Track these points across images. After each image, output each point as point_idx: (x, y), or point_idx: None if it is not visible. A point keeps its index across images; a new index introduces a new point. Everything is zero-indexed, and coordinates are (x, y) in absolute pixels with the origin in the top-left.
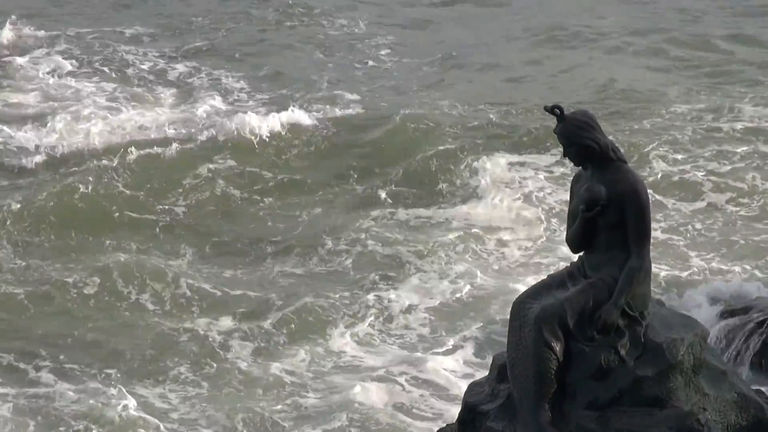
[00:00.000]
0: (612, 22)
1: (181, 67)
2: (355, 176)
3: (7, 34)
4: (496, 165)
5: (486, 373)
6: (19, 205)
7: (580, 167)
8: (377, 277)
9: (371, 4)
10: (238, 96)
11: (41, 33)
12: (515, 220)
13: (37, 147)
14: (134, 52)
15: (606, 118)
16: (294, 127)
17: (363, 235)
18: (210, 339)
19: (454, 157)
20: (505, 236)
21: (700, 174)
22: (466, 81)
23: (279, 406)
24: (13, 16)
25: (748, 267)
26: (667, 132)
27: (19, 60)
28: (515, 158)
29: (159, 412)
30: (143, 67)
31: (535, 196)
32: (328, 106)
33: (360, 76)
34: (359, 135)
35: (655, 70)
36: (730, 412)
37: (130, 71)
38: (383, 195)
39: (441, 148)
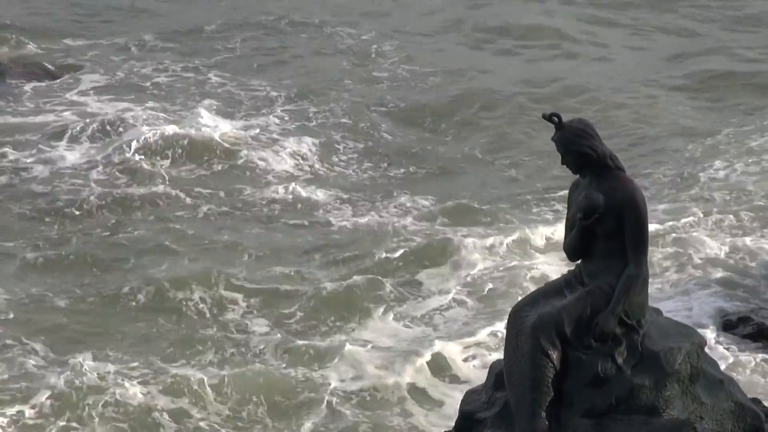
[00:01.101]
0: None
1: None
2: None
3: (27, 50)
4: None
5: (482, 380)
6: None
7: (578, 175)
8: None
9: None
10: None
11: (58, 47)
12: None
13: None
14: (155, 65)
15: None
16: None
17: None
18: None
19: None
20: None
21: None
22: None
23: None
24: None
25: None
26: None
27: (43, 78)
28: None
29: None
30: (170, 79)
31: None
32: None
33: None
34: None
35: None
36: (727, 422)
37: (158, 86)
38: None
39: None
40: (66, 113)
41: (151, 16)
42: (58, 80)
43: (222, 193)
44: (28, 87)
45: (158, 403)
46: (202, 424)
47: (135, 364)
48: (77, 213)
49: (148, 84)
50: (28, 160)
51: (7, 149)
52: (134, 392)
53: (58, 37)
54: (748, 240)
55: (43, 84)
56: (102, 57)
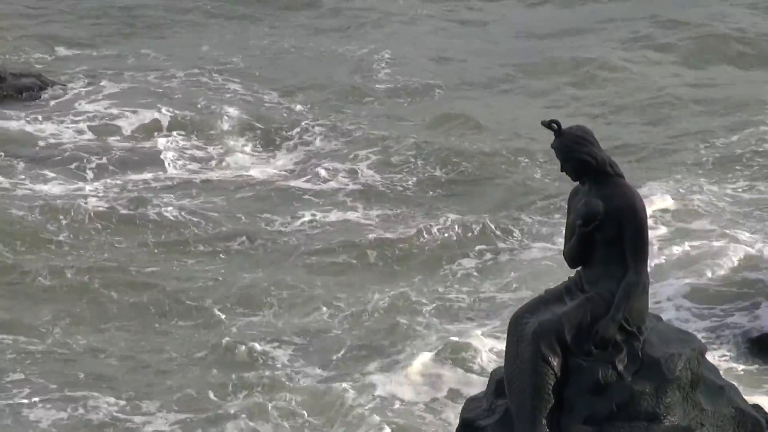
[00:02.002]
0: None
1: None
2: None
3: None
4: None
5: (483, 388)
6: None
7: (578, 182)
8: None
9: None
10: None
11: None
12: None
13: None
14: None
15: None
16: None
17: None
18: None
19: None
20: None
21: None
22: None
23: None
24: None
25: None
26: None
27: (61, 90)
28: None
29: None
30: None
31: None
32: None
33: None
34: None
35: None
36: (728, 427)
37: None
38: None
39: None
40: (79, 126)
41: (152, 26)
42: (68, 91)
43: (261, 216)
44: (42, 95)
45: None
46: None
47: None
48: (90, 232)
49: (162, 92)
50: (40, 172)
51: (19, 162)
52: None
53: (60, 44)
54: (750, 247)
55: (54, 93)
56: (108, 66)
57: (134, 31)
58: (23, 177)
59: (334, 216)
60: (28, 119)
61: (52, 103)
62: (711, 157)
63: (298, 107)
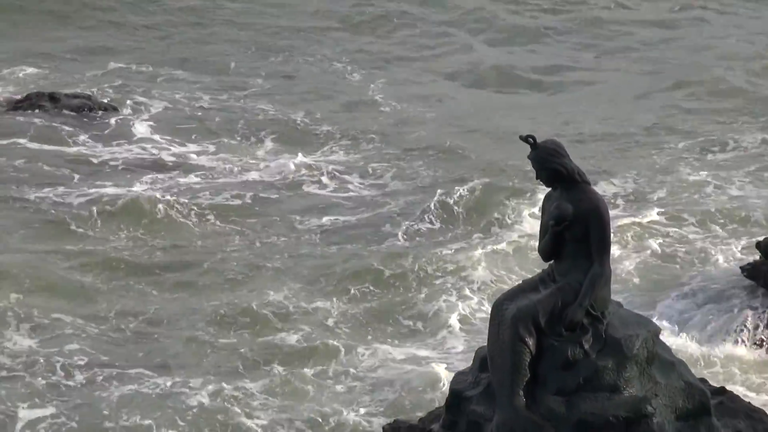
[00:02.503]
0: None
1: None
2: None
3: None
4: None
5: (469, 364)
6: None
7: (551, 188)
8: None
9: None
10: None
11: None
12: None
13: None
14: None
15: None
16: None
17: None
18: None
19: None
20: None
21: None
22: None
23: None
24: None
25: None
26: None
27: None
28: None
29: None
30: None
31: None
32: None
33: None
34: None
35: None
36: (678, 398)
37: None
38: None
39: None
40: (126, 146)
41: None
42: (112, 113)
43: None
44: (83, 119)
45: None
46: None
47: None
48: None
49: (198, 115)
50: (92, 191)
51: (74, 174)
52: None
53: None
54: (699, 240)
55: (103, 113)
56: (150, 82)
57: (169, 47)
58: (82, 186)
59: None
60: (80, 137)
61: (102, 122)
62: None
63: (322, 123)
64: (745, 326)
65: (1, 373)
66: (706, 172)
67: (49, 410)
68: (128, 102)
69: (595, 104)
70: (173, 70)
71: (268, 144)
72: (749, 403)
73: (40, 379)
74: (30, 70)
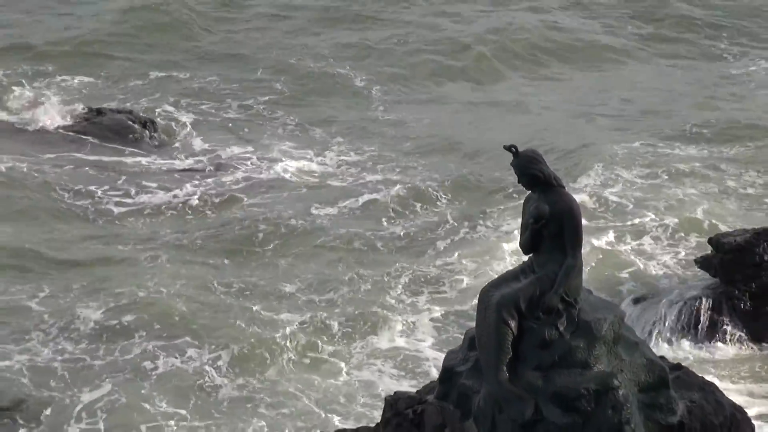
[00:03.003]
0: None
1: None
2: None
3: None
4: None
5: (460, 344)
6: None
7: (530, 191)
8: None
9: None
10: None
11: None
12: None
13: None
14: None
15: None
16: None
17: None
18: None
19: None
20: None
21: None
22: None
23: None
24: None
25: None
26: None
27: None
28: None
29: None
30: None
31: None
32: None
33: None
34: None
35: None
36: (641, 373)
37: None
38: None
39: None
40: (164, 153)
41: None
42: (155, 126)
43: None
44: (134, 128)
45: None
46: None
47: None
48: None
49: (229, 123)
50: (144, 197)
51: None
52: None
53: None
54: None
55: (143, 127)
56: (188, 92)
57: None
58: (132, 191)
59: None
60: (123, 149)
61: (143, 134)
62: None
63: (335, 134)
64: (697, 312)
65: (64, 356)
66: (666, 176)
67: (106, 388)
68: (164, 111)
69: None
70: (204, 78)
71: (288, 145)
72: (702, 377)
73: (99, 361)
74: (78, 79)
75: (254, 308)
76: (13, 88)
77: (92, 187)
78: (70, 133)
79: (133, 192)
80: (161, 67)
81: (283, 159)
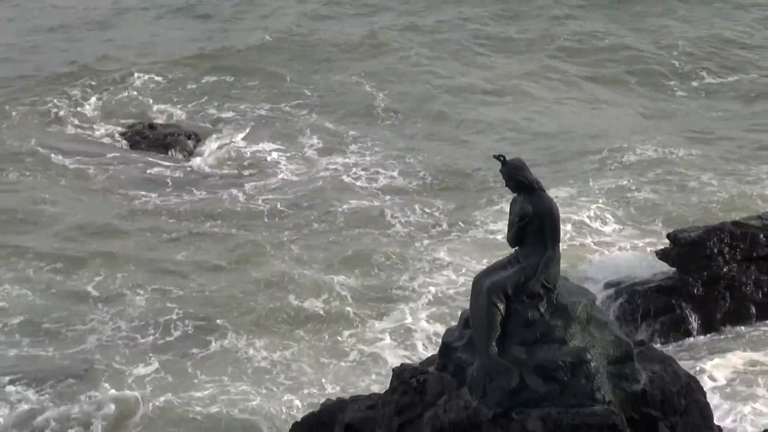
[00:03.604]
0: None
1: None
2: None
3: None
4: None
5: (456, 323)
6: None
7: (516, 193)
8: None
9: None
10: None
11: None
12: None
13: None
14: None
15: None
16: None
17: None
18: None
19: None
20: None
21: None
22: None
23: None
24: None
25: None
26: None
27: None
28: None
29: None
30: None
31: None
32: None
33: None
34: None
35: None
36: (610, 348)
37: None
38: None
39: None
40: (206, 159)
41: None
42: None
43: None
44: (180, 139)
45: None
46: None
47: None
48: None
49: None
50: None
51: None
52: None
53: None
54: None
55: (189, 139)
56: (227, 102)
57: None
58: (177, 194)
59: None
60: (174, 155)
61: (187, 145)
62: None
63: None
64: (657, 296)
65: (120, 334)
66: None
67: (153, 366)
68: (207, 116)
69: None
70: (242, 85)
71: (315, 147)
72: (662, 351)
73: (149, 338)
74: (139, 81)
75: (278, 293)
76: (83, 102)
77: (142, 191)
78: (125, 142)
79: (176, 193)
80: (214, 72)
81: (311, 160)
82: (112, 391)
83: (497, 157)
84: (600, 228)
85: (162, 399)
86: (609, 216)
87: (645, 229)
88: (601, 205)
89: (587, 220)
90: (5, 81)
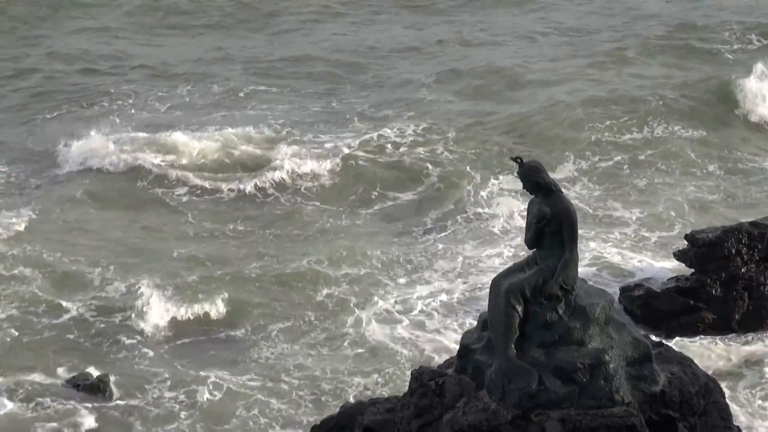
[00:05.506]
0: None
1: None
2: None
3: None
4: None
5: (475, 324)
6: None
7: (534, 195)
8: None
9: None
10: None
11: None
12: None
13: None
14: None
15: None
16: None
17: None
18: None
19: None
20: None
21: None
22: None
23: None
24: None
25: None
26: None
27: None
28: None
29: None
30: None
31: None
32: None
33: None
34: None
35: None
36: (628, 350)
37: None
38: None
39: None
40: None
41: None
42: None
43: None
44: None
45: None
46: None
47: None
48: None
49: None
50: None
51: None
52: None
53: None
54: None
55: None
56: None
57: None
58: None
59: None
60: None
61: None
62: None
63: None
64: (675, 297)
65: (200, 337)
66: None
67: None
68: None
69: None
70: (290, 82)
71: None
72: (680, 353)
73: (231, 347)
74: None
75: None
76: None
77: (160, 188)
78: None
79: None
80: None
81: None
82: (119, 378)
83: (514, 159)
84: (620, 229)
85: (172, 393)
86: (629, 215)
87: (663, 228)
88: (621, 204)
89: (607, 217)
90: None
